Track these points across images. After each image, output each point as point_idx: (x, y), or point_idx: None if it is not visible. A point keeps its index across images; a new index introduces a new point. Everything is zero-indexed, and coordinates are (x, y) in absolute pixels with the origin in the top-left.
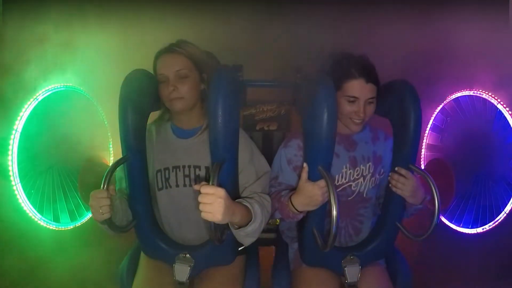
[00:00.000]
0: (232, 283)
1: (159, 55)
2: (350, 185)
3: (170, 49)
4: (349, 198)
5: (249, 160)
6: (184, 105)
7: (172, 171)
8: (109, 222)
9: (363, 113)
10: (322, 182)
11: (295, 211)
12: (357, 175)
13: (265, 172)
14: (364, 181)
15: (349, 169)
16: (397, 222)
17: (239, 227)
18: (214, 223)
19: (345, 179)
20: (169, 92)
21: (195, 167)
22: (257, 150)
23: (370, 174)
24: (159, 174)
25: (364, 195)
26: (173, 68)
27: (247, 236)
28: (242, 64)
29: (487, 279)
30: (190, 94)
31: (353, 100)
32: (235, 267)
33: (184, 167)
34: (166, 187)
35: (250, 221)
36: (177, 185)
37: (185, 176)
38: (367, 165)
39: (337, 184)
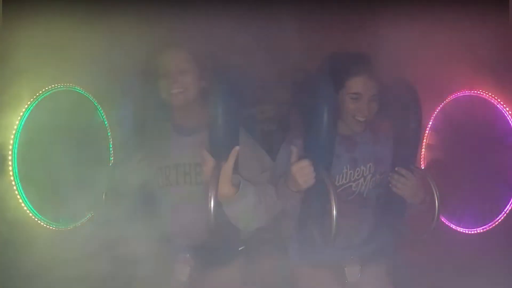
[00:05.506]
0: (232, 283)
1: (160, 50)
2: (351, 186)
3: (171, 45)
4: (349, 199)
5: (251, 156)
6: (184, 98)
7: (173, 169)
8: None
9: (367, 110)
10: (303, 162)
11: (290, 190)
12: (358, 175)
13: (269, 166)
14: (364, 182)
15: (350, 170)
16: (397, 222)
17: None
18: (214, 223)
19: (345, 180)
20: (170, 85)
21: (195, 165)
22: (258, 146)
23: (370, 175)
24: (159, 172)
25: (364, 196)
26: (174, 63)
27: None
28: (242, 64)
29: (487, 279)
30: (191, 88)
31: (357, 97)
32: (235, 267)
33: (184, 165)
34: (167, 185)
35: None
36: (177, 183)
37: (185, 174)
38: (368, 165)
39: (337, 184)
